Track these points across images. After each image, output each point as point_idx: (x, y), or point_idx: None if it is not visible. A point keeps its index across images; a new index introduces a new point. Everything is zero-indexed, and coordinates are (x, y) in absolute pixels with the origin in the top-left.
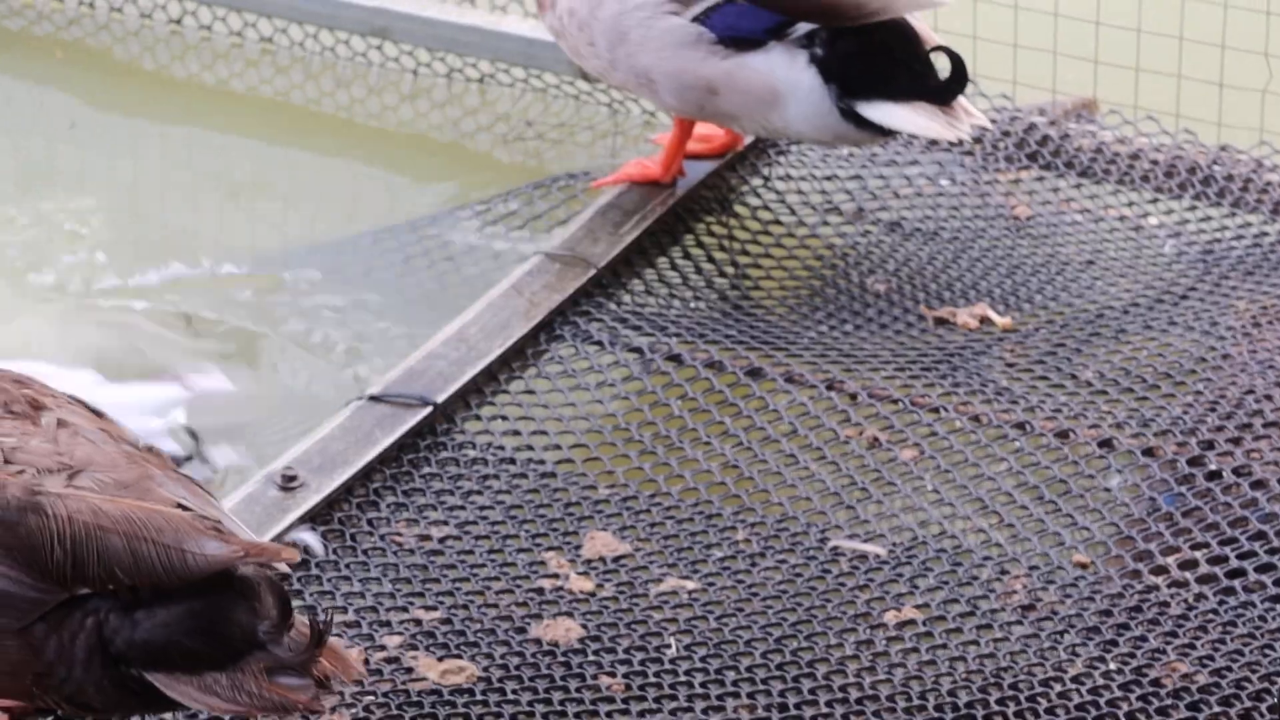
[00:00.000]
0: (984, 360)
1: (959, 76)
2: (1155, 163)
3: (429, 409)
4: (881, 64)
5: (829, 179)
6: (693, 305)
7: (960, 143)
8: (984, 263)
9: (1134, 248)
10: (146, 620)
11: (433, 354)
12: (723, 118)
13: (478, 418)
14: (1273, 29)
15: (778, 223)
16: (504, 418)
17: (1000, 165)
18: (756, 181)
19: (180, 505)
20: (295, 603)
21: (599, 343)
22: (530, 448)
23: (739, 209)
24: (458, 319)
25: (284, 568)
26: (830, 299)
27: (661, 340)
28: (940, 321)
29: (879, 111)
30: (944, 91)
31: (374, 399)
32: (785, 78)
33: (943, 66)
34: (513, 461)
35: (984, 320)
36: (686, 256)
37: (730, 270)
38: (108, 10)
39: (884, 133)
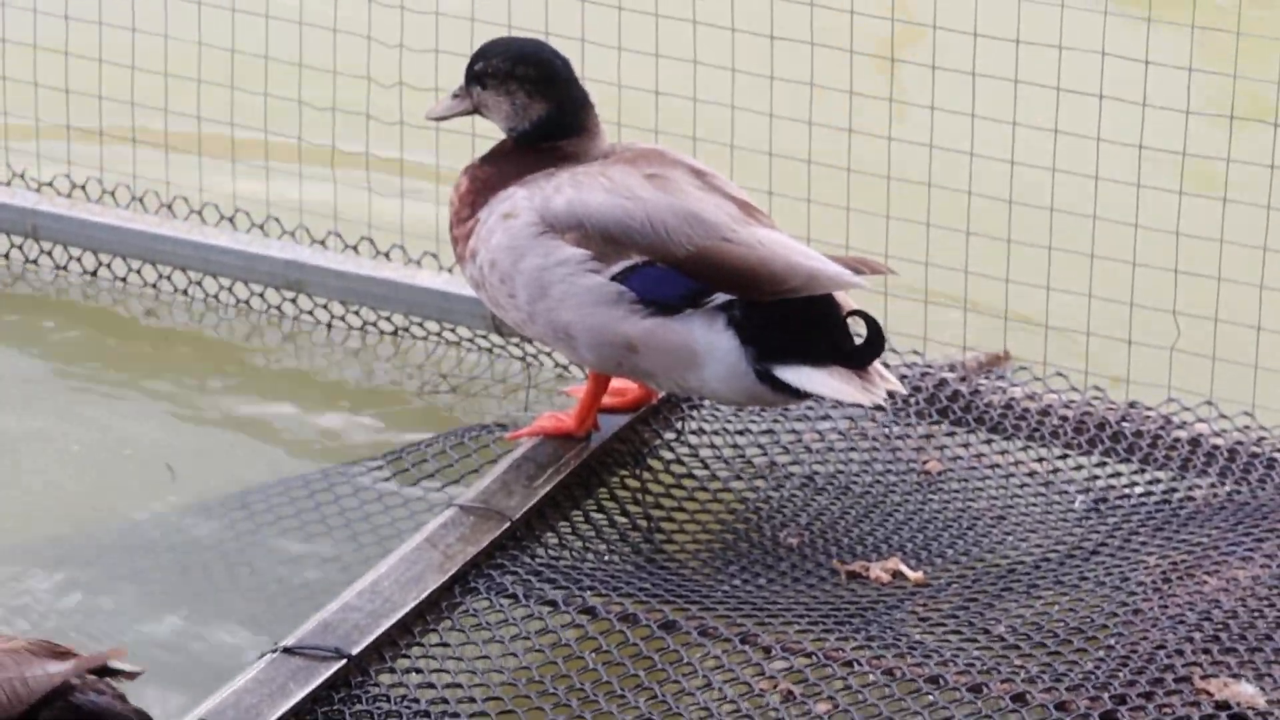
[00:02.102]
0: (897, 614)
1: (875, 341)
2: (1065, 419)
3: (343, 661)
4: (798, 327)
5: (741, 433)
6: (607, 558)
7: (876, 407)
8: (896, 517)
9: (1044, 503)
10: None
11: (347, 606)
12: (640, 375)
13: (392, 670)
14: (1181, 287)
15: (691, 476)
16: (418, 670)
17: (911, 420)
18: (670, 435)
19: (32, 646)
20: None
21: (513, 595)
22: (445, 700)
23: (652, 462)
24: (371, 571)
25: (126, 666)
26: (744, 552)
27: (575, 593)
28: (853, 575)
29: (795, 375)
30: (860, 355)
31: (288, 651)
32: (703, 339)
33: (859, 330)
34: (427, 715)
35: (896, 574)
36: (600, 509)
37: (644, 523)
38: (22, 263)
39: (799, 395)
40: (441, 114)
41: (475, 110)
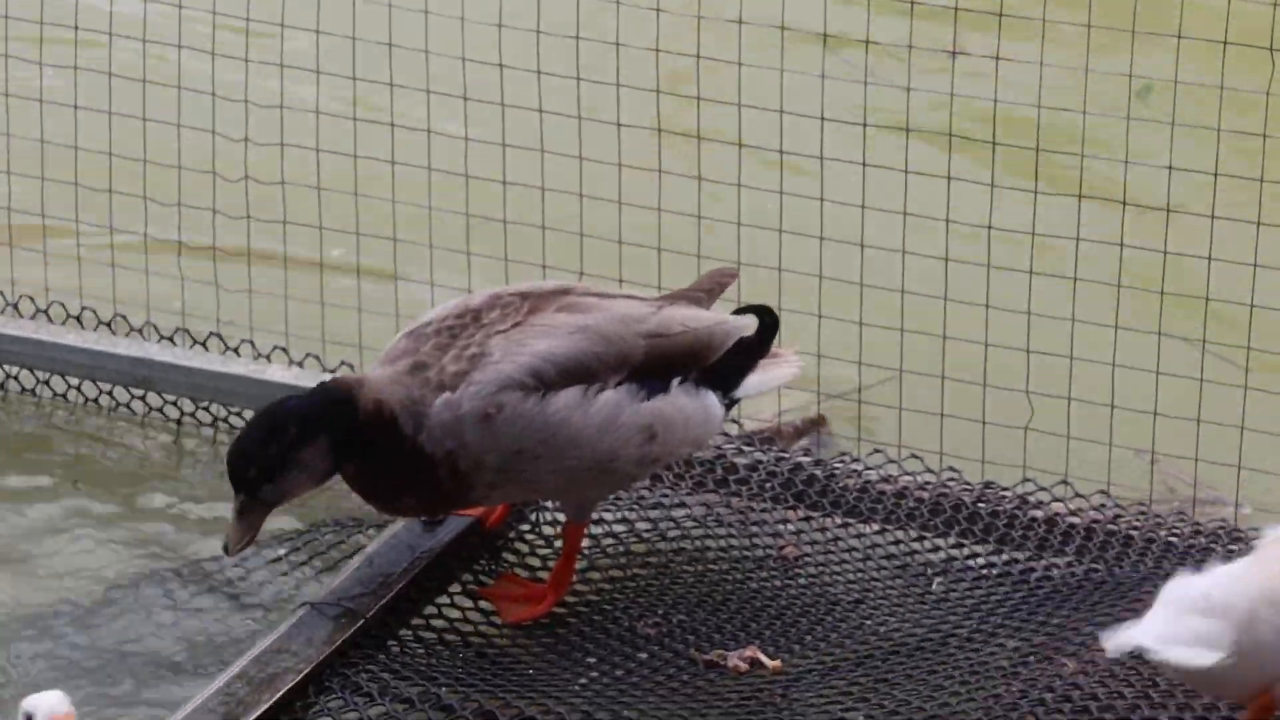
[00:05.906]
0: (753, 704)
1: (769, 323)
2: (921, 500)
3: None
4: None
5: (596, 523)
6: (462, 654)
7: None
8: (753, 604)
9: (902, 586)
10: None
11: (200, 708)
12: (647, 466)
13: None
14: (1035, 366)
15: (546, 568)
16: None
17: (767, 505)
18: (524, 527)
19: None
20: None
21: (368, 694)
22: None
23: (507, 556)
24: (223, 673)
25: None
26: (601, 643)
27: (431, 690)
28: (711, 665)
29: (748, 389)
30: (764, 342)
31: None
32: (692, 404)
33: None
34: None
35: (754, 663)
36: (454, 605)
37: (499, 618)
38: None
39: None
40: (247, 543)
41: (278, 505)
